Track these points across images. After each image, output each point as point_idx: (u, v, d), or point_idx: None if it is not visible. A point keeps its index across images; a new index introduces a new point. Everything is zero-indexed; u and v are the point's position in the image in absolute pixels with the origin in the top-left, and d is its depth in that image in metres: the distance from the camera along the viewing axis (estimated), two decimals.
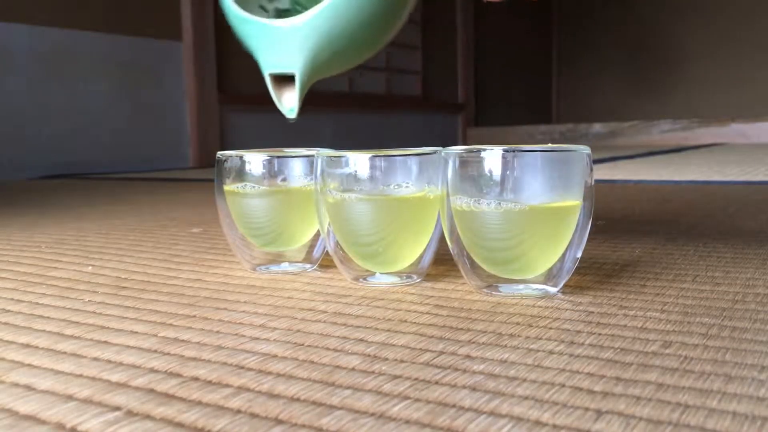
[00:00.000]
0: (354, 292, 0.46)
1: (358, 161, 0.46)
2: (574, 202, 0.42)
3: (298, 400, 0.28)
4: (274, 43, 0.52)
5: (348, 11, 0.50)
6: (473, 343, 0.34)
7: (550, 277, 0.43)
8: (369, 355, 0.33)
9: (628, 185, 1.26)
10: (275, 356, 0.33)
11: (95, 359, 0.33)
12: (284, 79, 0.53)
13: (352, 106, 3.15)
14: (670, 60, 4.08)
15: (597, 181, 1.02)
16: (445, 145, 0.47)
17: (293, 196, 0.52)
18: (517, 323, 0.38)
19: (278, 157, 0.52)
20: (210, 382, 0.30)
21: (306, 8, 0.53)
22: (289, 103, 0.53)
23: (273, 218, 0.52)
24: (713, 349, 0.33)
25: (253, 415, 0.26)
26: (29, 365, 0.33)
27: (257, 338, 0.36)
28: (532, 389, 0.28)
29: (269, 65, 0.53)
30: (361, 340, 0.35)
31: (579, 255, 0.43)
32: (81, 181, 1.78)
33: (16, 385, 0.30)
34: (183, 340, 0.36)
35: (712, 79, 3.96)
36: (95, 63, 2.19)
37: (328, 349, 0.34)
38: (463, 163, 0.43)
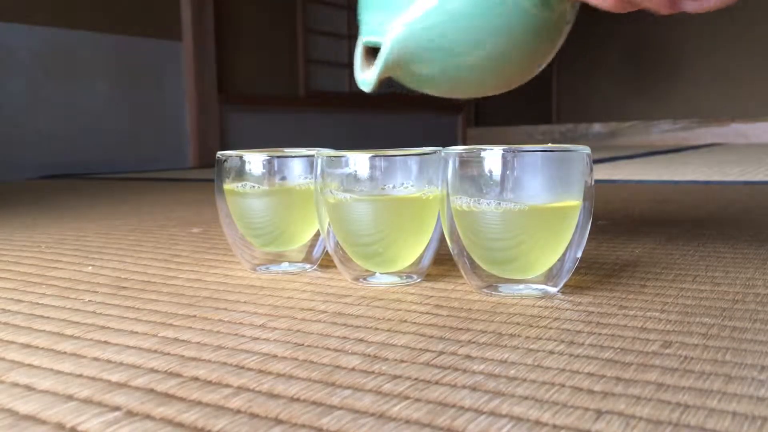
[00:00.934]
0: (354, 292, 0.46)
1: (358, 161, 0.45)
2: (574, 202, 0.42)
3: (298, 400, 0.28)
4: (379, 9, 0.48)
5: (462, 10, 0.45)
6: (473, 343, 0.34)
7: (550, 277, 0.43)
8: (369, 355, 0.33)
9: (628, 185, 1.26)
10: (275, 356, 0.33)
11: (95, 359, 0.33)
12: (375, 54, 0.49)
13: (352, 106, 3.15)
14: (670, 60, 4.08)
15: (597, 181, 1.02)
16: (445, 145, 0.47)
17: (293, 196, 0.52)
18: (517, 323, 0.38)
19: (278, 157, 0.52)
20: (210, 382, 0.30)
21: None
22: (368, 75, 0.49)
23: (273, 218, 0.52)
24: (713, 349, 0.33)
25: (253, 415, 0.26)
26: (29, 365, 0.33)
27: (257, 338, 0.36)
28: (532, 389, 0.28)
29: (366, 31, 0.49)
30: (361, 340, 0.35)
31: (579, 255, 0.43)
32: (81, 181, 1.78)
33: (16, 385, 0.30)
34: (183, 340, 0.36)
35: (712, 79, 3.96)
36: (95, 63, 2.19)
37: (328, 349, 0.34)
38: (463, 163, 0.43)
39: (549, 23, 0.48)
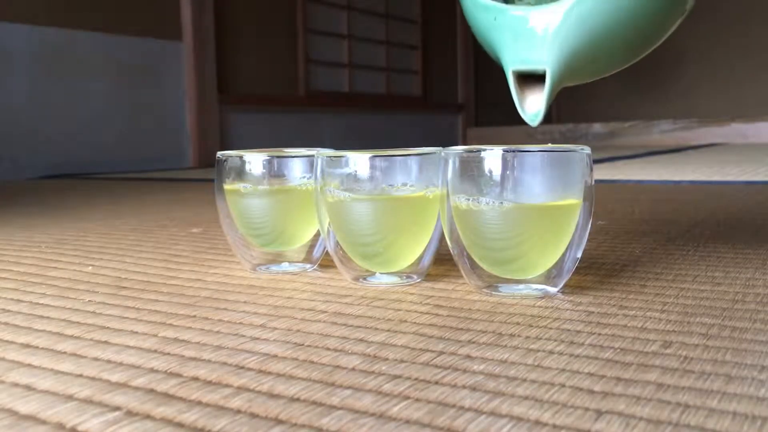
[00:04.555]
0: (354, 292, 0.46)
1: (358, 161, 0.46)
2: (574, 201, 0.42)
3: (298, 400, 0.28)
4: (525, 35, 0.44)
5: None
6: (473, 343, 0.34)
7: (550, 277, 0.43)
8: (369, 355, 0.33)
9: (628, 185, 1.26)
10: (275, 356, 0.33)
11: (95, 359, 0.33)
12: (529, 79, 0.45)
13: (352, 106, 3.15)
14: (670, 60, 4.08)
15: (597, 181, 1.02)
16: (445, 145, 0.47)
17: (293, 196, 0.52)
18: (517, 323, 0.38)
19: (278, 157, 0.52)
20: (210, 382, 0.30)
21: None
22: (533, 107, 0.45)
23: (273, 218, 0.52)
24: (713, 349, 0.33)
25: (253, 415, 0.26)
26: (29, 365, 0.33)
27: (257, 338, 0.36)
28: (532, 389, 0.28)
29: (515, 61, 0.45)
30: (361, 340, 0.35)
31: (579, 255, 0.43)
32: (81, 181, 1.78)
33: (16, 385, 0.30)
34: (183, 340, 0.36)
35: (712, 79, 3.96)
36: (95, 63, 2.19)
37: (328, 349, 0.34)
38: (464, 163, 0.43)
39: None
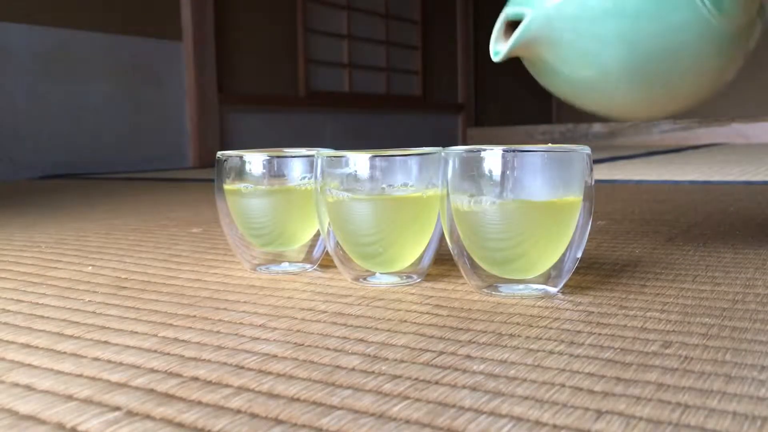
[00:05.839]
0: (354, 292, 0.46)
1: (358, 161, 0.45)
2: (574, 201, 0.42)
3: (298, 400, 0.28)
4: None
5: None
6: (473, 343, 0.34)
7: (550, 277, 0.43)
8: (369, 355, 0.33)
9: (628, 185, 1.26)
10: (275, 356, 0.33)
11: (95, 359, 0.33)
12: (514, 28, 0.47)
13: (352, 106, 3.15)
14: None
15: (597, 181, 1.02)
16: (445, 145, 0.47)
17: (293, 196, 0.52)
18: (517, 323, 0.38)
19: (278, 157, 0.52)
20: (210, 382, 0.30)
21: None
22: (501, 46, 0.46)
23: (273, 218, 0.52)
24: (713, 349, 0.33)
25: (253, 415, 0.26)
26: (29, 365, 0.33)
27: (257, 338, 0.36)
28: (532, 389, 0.28)
29: (512, 1, 0.47)
30: (361, 340, 0.35)
31: (579, 255, 0.43)
32: (81, 181, 1.78)
33: (16, 385, 0.30)
34: (183, 340, 0.36)
35: None
36: (95, 63, 2.19)
37: (328, 349, 0.34)
38: (464, 163, 0.43)
39: (730, 35, 0.41)
